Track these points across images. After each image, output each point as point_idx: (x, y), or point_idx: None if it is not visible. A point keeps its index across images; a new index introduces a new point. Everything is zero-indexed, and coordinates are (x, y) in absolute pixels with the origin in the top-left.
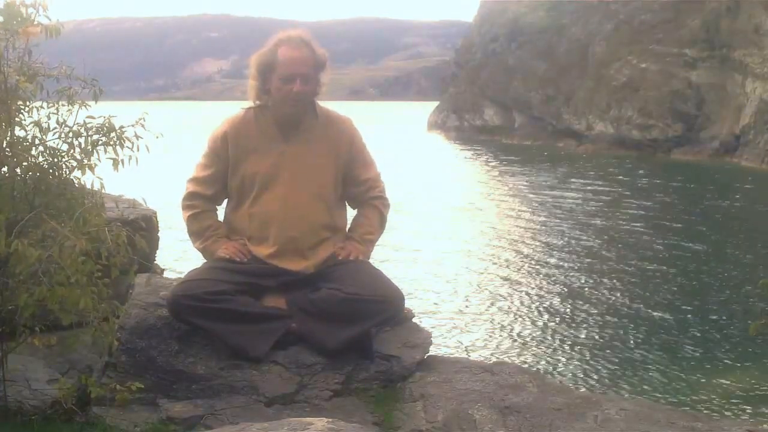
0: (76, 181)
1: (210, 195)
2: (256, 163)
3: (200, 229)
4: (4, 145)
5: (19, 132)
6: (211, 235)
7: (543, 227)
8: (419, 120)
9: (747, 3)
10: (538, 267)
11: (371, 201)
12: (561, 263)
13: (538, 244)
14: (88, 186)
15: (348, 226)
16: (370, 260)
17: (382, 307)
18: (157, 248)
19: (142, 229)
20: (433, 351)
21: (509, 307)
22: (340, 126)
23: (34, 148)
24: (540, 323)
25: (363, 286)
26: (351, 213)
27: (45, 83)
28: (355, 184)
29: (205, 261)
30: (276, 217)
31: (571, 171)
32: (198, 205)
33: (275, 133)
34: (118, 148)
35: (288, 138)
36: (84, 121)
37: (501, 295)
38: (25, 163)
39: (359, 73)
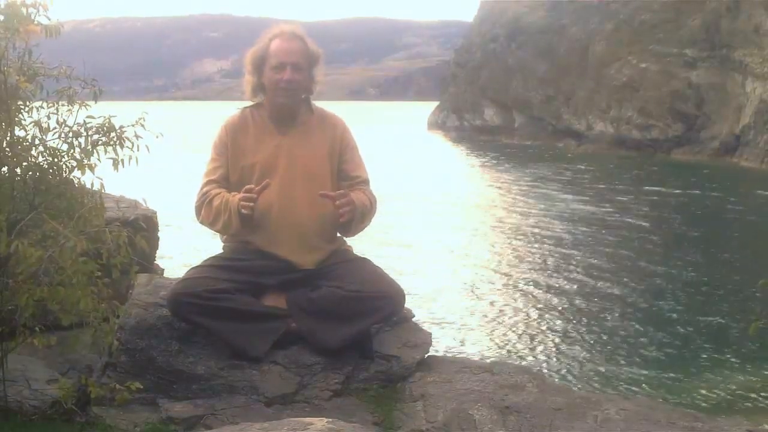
0: (75, 181)
1: (223, 188)
2: (254, 155)
3: (217, 206)
4: (4, 145)
5: (19, 132)
6: (226, 199)
7: (543, 227)
8: (419, 120)
9: (747, 3)
10: (538, 266)
11: (359, 187)
12: (561, 263)
13: (538, 243)
14: (88, 186)
15: None
16: (370, 258)
17: (384, 304)
18: (157, 248)
19: (143, 229)
20: (433, 351)
21: (509, 307)
22: (334, 121)
23: (34, 148)
24: (540, 323)
25: (364, 283)
26: None
27: (45, 83)
28: (344, 179)
29: (206, 259)
30: (274, 205)
31: (571, 171)
32: (208, 193)
33: (271, 127)
34: (118, 148)
35: (284, 132)
36: (84, 121)
37: (501, 295)
38: (25, 163)
39: (359, 73)
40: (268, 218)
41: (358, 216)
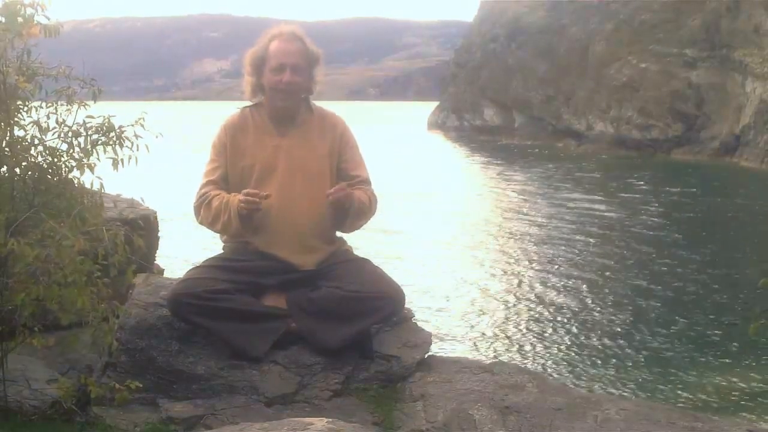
0: (75, 181)
1: (222, 189)
2: (253, 156)
3: (216, 207)
4: (4, 145)
5: (18, 132)
6: (226, 200)
7: (543, 227)
8: (419, 120)
9: (747, 3)
10: (538, 266)
11: (359, 186)
12: (561, 263)
13: (538, 243)
14: (88, 186)
15: None
16: (370, 259)
17: (383, 304)
18: (157, 248)
19: (141, 228)
20: (433, 351)
21: (509, 307)
22: (333, 120)
23: (33, 147)
24: (540, 323)
25: (363, 283)
26: None
27: (44, 83)
28: (344, 178)
29: (206, 259)
30: (274, 206)
31: (571, 171)
32: (207, 194)
33: (270, 128)
34: (117, 147)
35: (283, 133)
36: (83, 120)
37: (501, 295)
38: (24, 163)
39: (359, 73)
40: (267, 219)
41: (354, 211)
